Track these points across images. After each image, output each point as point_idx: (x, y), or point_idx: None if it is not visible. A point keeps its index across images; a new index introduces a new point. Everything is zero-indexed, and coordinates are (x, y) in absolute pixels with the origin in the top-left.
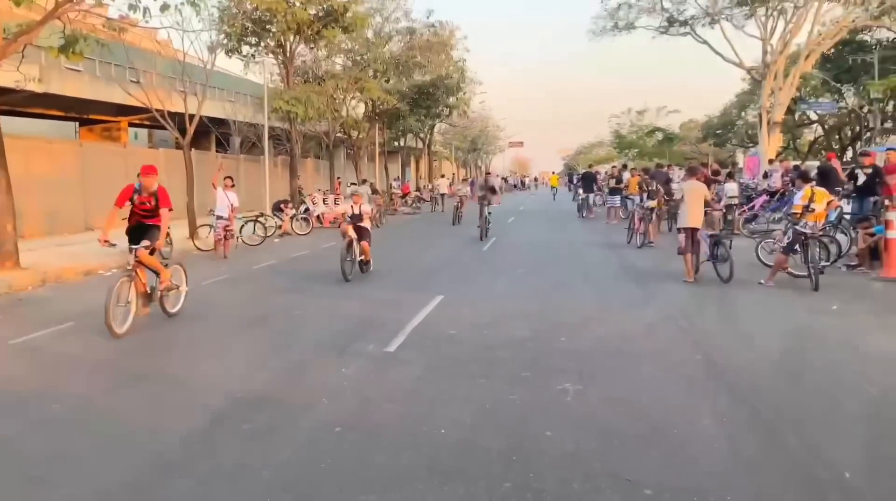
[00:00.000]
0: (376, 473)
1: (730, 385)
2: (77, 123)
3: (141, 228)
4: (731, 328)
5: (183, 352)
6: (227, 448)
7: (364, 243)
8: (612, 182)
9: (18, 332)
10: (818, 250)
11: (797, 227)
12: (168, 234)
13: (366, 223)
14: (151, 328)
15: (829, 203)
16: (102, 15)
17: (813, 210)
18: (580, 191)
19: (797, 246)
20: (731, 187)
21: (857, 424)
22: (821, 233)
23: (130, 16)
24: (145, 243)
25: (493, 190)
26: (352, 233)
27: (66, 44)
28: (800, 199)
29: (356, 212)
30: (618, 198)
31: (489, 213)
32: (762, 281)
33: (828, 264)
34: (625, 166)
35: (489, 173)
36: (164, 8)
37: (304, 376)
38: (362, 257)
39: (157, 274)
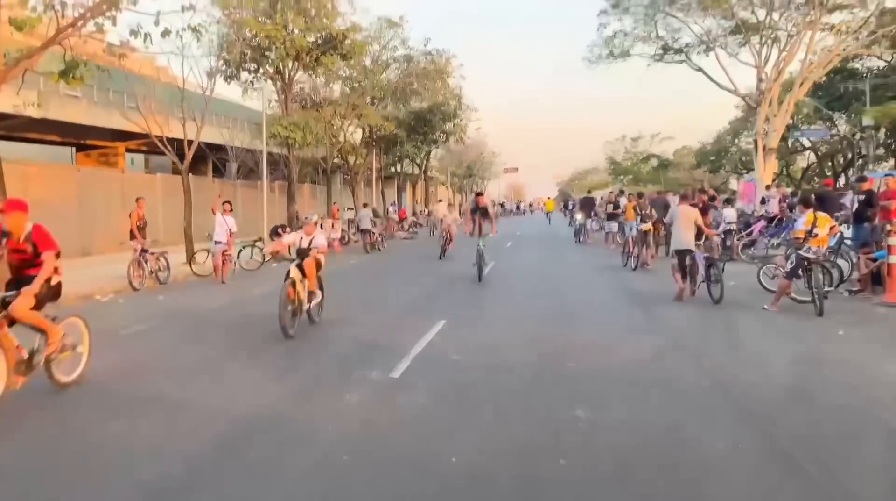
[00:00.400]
0: None
1: (743, 412)
2: (74, 149)
3: (21, 282)
4: (738, 353)
5: (184, 378)
6: (232, 477)
7: (312, 278)
8: (610, 208)
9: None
10: (822, 275)
11: (800, 252)
12: (165, 259)
13: (318, 259)
14: (151, 355)
15: (831, 228)
16: (103, 41)
17: (816, 235)
18: (577, 216)
19: (800, 271)
20: (730, 213)
21: (874, 451)
22: (824, 258)
23: (131, 41)
24: (13, 296)
25: (485, 214)
26: (295, 273)
27: (67, 69)
28: (802, 224)
29: (304, 246)
30: (615, 224)
31: (483, 246)
32: (766, 306)
33: (831, 289)
34: (622, 192)
35: (480, 195)
36: (166, 34)
37: (307, 402)
38: (313, 302)
39: (43, 333)
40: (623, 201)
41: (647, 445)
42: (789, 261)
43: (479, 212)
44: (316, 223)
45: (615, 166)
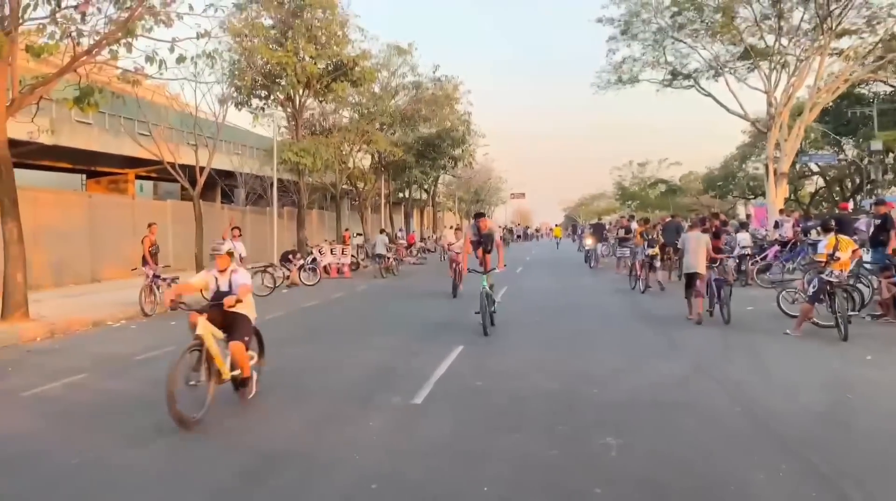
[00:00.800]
0: None
1: (778, 438)
2: (84, 176)
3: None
4: (766, 378)
5: None
6: None
7: (236, 343)
8: (622, 232)
9: (30, 384)
10: (845, 299)
11: (823, 276)
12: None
13: (243, 308)
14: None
15: (853, 252)
16: (118, 67)
17: (838, 259)
18: (587, 241)
19: (823, 295)
20: (744, 237)
21: None
22: (846, 282)
23: (145, 68)
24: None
25: (489, 242)
26: (203, 328)
27: (82, 96)
28: (824, 247)
29: (223, 288)
30: (627, 249)
31: (490, 286)
32: (788, 331)
33: (854, 313)
34: (632, 217)
35: (482, 216)
36: (181, 60)
37: (329, 429)
38: (236, 373)
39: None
40: (634, 225)
41: (684, 473)
42: (811, 285)
43: (483, 240)
44: (230, 255)
45: (623, 192)
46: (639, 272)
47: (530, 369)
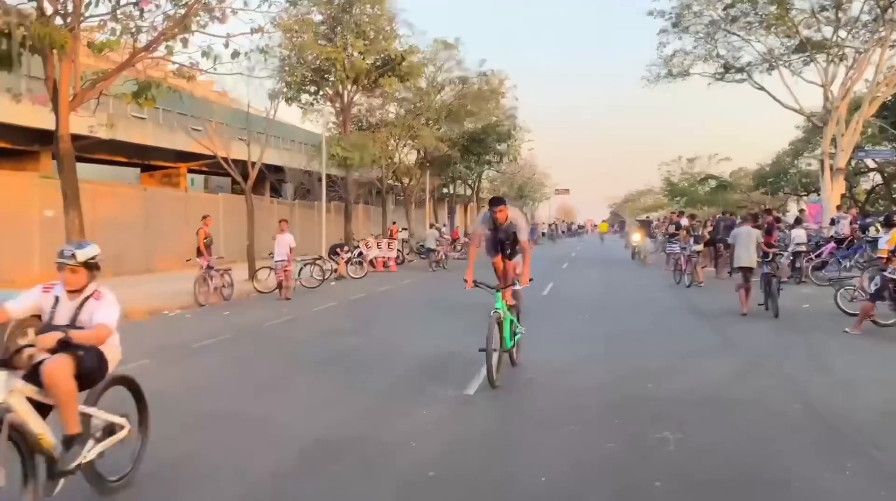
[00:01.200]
0: None
1: (841, 435)
2: (139, 169)
3: None
4: (825, 375)
5: (257, 392)
6: (319, 491)
7: (59, 359)
8: (672, 228)
9: None
10: None
11: (886, 273)
12: (229, 276)
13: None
14: (223, 369)
15: None
16: (174, 62)
17: None
18: (634, 237)
19: (885, 293)
20: (799, 234)
21: None
22: None
23: (199, 63)
24: None
25: (510, 241)
26: (18, 402)
27: (140, 91)
28: (885, 243)
29: (60, 321)
30: (677, 245)
31: (513, 309)
32: (847, 329)
33: None
34: (681, 213)
35: (500, 203)
36: (235, 55)
37: (385, 418)
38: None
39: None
40: (684, 221)
41: (745, 470)
42: (873, 283)
43: (501, 238)
44: (87, 267)
45: (671, 188)
46: (684, 267)
47: (580, 364)
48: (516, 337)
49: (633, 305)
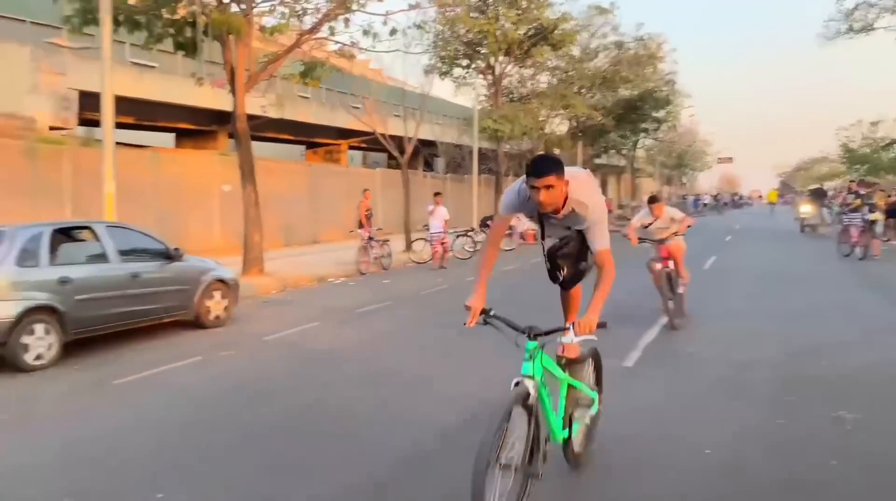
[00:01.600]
0: (647, 491)
1: None
2: (305, 146)
3: None
4: None
5: (421, 352)
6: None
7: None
8: (851, 198)
9: (271, 330)
10: None
11: None
12: (388, 246)
13: None
14: (387, 332)
15: None
16: (336, 41)
17: None
18: (805, 208)
19: None
20: None
21: None
22: None
23: (360, 42)
24: None
25: (576, 252)
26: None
27: (306, 71)
28: None
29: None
30: (858, 217)
31: (589, 375)
32: None
33: None
34: (861, 181)
35: (547, 170)
36: (394, 32)
37: None
38: None
39: None
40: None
41: None
42: None
43: (548, 239)
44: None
45: (850, 155)
46: (856, 239)
47: (747, 339)
48: (575, 424)
49: (804, 278)
